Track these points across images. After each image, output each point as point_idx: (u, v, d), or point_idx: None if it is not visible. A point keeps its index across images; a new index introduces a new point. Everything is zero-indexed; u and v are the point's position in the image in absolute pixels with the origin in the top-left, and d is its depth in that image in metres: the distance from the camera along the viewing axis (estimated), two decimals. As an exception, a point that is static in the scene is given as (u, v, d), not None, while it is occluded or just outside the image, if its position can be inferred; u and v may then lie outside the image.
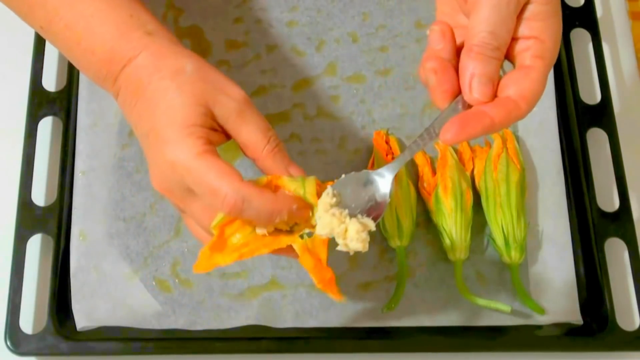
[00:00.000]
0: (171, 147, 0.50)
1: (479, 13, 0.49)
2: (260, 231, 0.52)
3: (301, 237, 0.52)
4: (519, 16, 0.50)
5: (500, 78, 0.50)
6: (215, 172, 0.49)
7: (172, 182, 0.51)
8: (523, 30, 0.50)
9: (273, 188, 0.53)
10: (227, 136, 0.53)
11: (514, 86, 0.49)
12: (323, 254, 0.52)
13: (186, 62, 0.53)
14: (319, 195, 0.53)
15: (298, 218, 0.52)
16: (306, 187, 0.53)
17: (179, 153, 0.50)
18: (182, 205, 0.53)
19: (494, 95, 0.49)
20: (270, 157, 0.53)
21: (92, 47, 0.54)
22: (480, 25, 0.49)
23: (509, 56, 0.51)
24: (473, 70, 0.49)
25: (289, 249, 0.53)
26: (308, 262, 0.52)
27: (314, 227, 0.52)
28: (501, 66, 0.50)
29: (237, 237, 0.52)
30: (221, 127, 0.52)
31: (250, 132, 0.52)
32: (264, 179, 0.53)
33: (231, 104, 0.52)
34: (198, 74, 0.52)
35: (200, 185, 0.50)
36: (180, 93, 0.51)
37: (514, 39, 0.50)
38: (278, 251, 0.53)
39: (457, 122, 0.48)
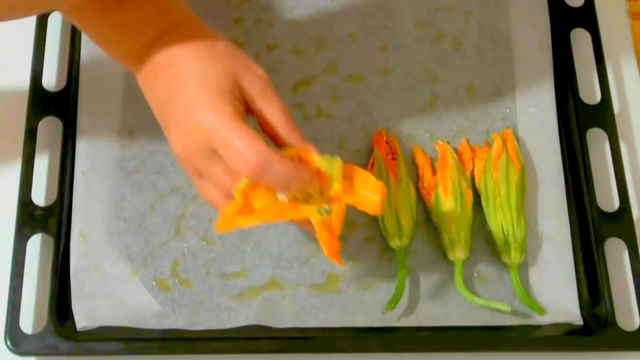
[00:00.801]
0: (202, 108, 0.52)
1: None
2: (281, 197, 0.55)
3: (319, 212, 0.55)
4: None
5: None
6: (242, 134, 0.51)
7: (197, 143, 0.53)
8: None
9: (298, 160, 0.55)
10: (248, 111, 0.56)
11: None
12: (337, 228, 0.55)
13: (221, 39, 0.57)
14: (345, 176, 0.56)
15: (309, 186, 0.55)
16: (334, 167, 0.55)
17: (209, 115, 0.52)
18: (203, 168, 0.55)
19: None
20: (290, 133, 0.56)
21: (135, 18, 0.57)
22: None
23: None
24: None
25: (306, 221, 0.56)
26: (323, 236, 0.55)
27: (329, 202, 0.56)
28: None
29: (258, 202, 0.54)
30: (245, 102, 0.55)
31: (272, 109, 0.56)
32: (288, 151, 0.55)
33: (257, 82, 0.56)
34: (229, 51, 0.56)
35: (226, 147, 0.52)
36: (213, 61, 0.55)
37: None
38: (296, 221, 0.57)
39: None
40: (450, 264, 0.67)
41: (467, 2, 0.77)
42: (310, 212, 0.55)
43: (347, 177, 0.56)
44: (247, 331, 0.64)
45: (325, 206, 0.55)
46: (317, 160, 0.55)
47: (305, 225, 0.58)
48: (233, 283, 0.66)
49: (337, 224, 0.56)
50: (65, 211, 0.67)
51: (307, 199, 0.55)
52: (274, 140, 0.56)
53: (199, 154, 0.54)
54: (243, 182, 0.53)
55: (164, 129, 0.57)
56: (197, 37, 0.56)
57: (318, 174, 0.55)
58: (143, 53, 0.57)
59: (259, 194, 0.54)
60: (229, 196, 0.55)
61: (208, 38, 0.56)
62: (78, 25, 0.60)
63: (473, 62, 0.74)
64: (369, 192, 0.56)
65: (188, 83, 0.54)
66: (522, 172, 0.68)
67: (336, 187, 0.55)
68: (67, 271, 0.65)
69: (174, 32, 0.56)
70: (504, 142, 0.69)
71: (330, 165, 0.55)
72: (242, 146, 0.51)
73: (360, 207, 0.56)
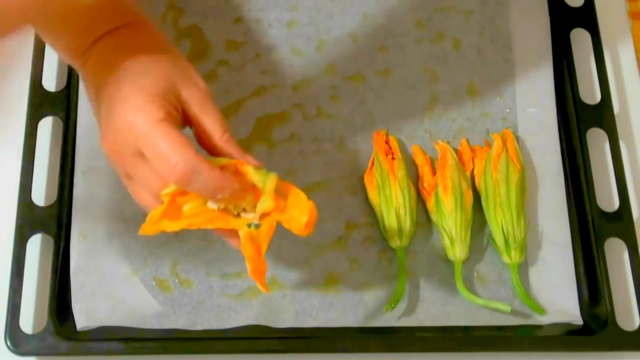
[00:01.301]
0: (133, 109, 0.51)
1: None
2: (211, 205, 0.54)
3: (248, 226, 0.54)
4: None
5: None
6: (170, 140, 0.50)
7: (124, 144, 0.52)
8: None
9: (233, 172, 0.54)
10: (185, 121, 0.55)
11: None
12: (264, 246, 0.54)
13: (163, 42, 0.57)
14: (278, 192, 0.54)
15: (239, 199, 0.54)
16: (267, 182, 0.54)
17: (139, 116, 0.51)
18: (130, 169, 0.54)
19: None
20: (226, 145, 0.55)
21: (72, 16, 0.56)
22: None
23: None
24: None
25: (234, 233, 0.55)
26: (248, 250, 0.54)
27: (261, 218, 0.54)
28: None
29: (187, 207, 0.54)
30: (182, 111, 0.55)
31: (209, 120, 0.55)
32: (224, 161, 0.54)
33: (197, 92, 0.54)
34: (172, 57, 0.55)
35: (153, 151, 0.51)
36: (154, 66, 0.54)
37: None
38: (223, 232, 0.56)
39: None
40: (450, 264, 0.67)
41: (467, 2, 0.77)
42: (239, 224, 0.54)
43: (281, 195, 0.54)
44: (247, 331, 0.64)
45: (256, 221, 0.54)
46: (251, 173, 0.54)
47: (231, 238, 0.56)
48: (233, 283, 0.66)
49: (264, 240, 0.54)
50: (65, 211, 0.67)
51: (239, 211, 0.54)
52: (210, 152, 0.55)
53: (126, 155, 0.53)
54: (171, 187, 0.52)
55: (98, 127, 0.56)
56: (144, 40, 0.56)
57: (254, 189, 0.54)
58: (89, 49, 0.56)
59: (189, 198, 0.53)
60: (158, 199, 0.54)
61: (154, 42, 0.56)
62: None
63: (473, 62, 0.74)
64: (298, 212, 0.53)
65: (124, 82, 0.53)
66: (522, 172, 0.68)
67: (267, 203, 0.54)
68: (67, 271, 0.65)
69: (122, 30, 0.56)
70: (504, 142, 0.69)
71: (264, 180, 0.54)
72: (170, 152, 0.50)
73: (287, 226, 0.54)
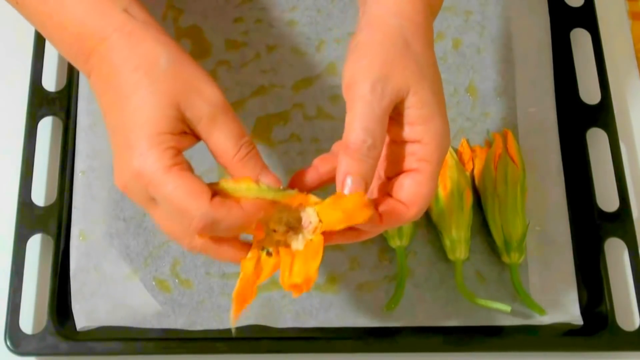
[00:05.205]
0: (138, 154, 0.47)
1: (353, 110, 0.49)
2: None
3: (262, 248, 0.50)
4: (400, 120, 0.50)
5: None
6: (183, 191, 0.47)
7: (135, 189, 0.49)
8: (408, 133, 0.50)
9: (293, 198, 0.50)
10: (198, 138, 0.51)
11: (403, 190, 0.50)
12: (264, 276, 0.50)
13: (161, 52, 0.49)
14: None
15: (267, 220, 0.50)
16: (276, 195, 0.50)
17: (147, 164, 0.47)
18: (145, 208, 0.50)
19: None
20: (240, 166, 0.50)
21: (63, 21, 0.51)
22: (354, 122, 0.49)
23: (398, 158, 0.51)
24: (347, 169, 0.49)
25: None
26: (247, 268, 0.50)
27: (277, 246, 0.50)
28: (377, 164, 0.50)
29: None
30: (192, 129, 0.49)
31: (220, 138, 0.49)
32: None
33: (204, 108, 0.49)
34: (173, 69, 0.49)
35: (167, 204, 0.47)
36: (152, 92, 0.48)
37: (401, 143, 0.51)
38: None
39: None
40: (450, 264, 0.67)
41: (467, 2, 0.77)
42: (254, 243, 0.50)
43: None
44: (247, 331, 0.64)
45: (270, 248, 0.50)
46: (257, 190, 0.49)
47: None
48: (233, 283, 0.65)
49: (268, 271, 0.50)
50: (65, 211, 0.67)
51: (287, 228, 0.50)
52: (227, 170, 0.50)
53: (138, 197, 0.49)
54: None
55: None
56: (140, 49, 0.49)
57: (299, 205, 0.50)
58: (87, 58, 0.51)
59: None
60: (174, 238, 0.50)
61: (150, 51, 0.49)
62: (29, 20, 0.55)
63: (473, 62, 0.74)
64: (298, 267, 0.49)
65: (125, 119, 0.48)
66: (522, 172, 0.68)
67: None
68: (67, 271, 0.65)
69: (115, 35, 0.49)
70: (504, 142, 0.69)
71: (274, 195, 0.49)
72: (186, 205, 0.47)
73: (281, 270, 0.49)
